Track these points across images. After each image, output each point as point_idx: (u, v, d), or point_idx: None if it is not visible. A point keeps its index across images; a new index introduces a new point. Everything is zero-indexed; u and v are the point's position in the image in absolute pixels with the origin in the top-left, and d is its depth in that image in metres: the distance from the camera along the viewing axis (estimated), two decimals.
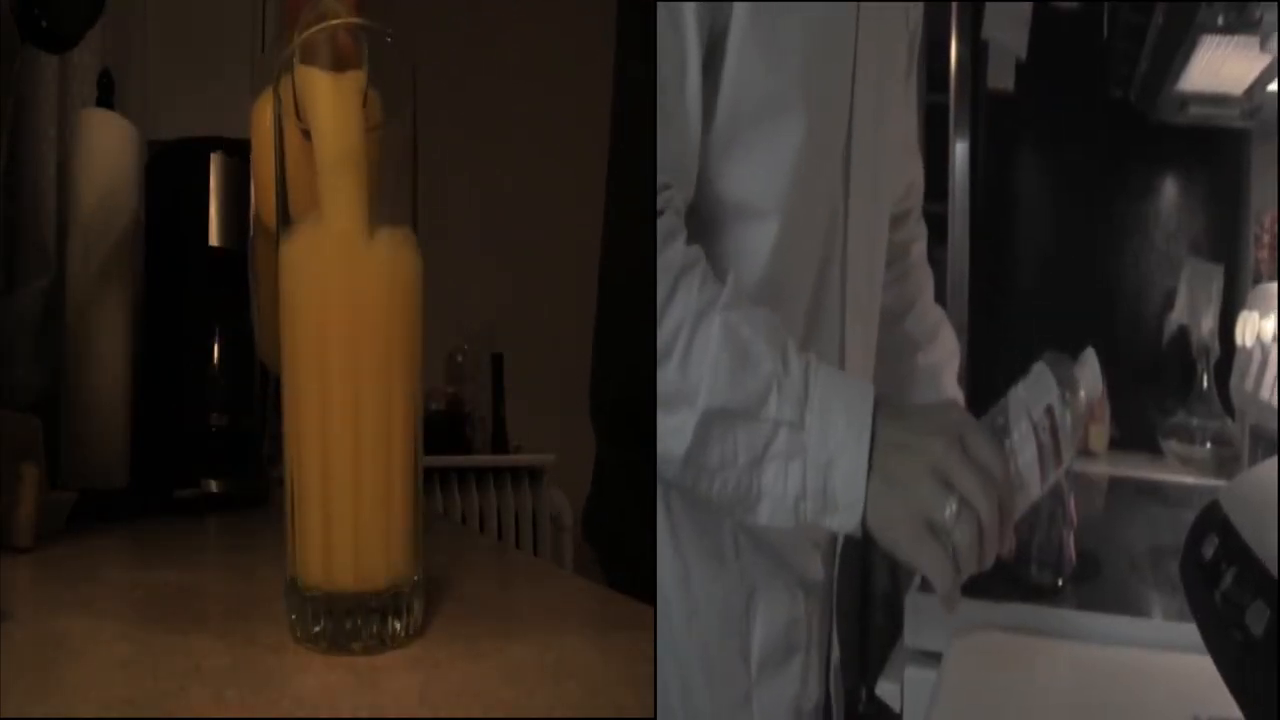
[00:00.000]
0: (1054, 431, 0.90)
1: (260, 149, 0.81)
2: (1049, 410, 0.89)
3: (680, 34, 0.78)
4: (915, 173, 1.23)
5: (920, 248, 1.26)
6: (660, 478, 0.82)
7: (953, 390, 1.21)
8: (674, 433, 0.75)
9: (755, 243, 0.84)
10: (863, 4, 0.88)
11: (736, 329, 0.74)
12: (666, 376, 0.74)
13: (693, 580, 0.87)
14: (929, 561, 0.74)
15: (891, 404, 0.77)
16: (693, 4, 0.77)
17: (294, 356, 0.63)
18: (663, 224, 0.76)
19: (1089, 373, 0.94)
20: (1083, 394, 0.93)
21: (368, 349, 0.62)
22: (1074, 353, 0.96)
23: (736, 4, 0.79)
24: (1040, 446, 0.88)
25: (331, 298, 0.62)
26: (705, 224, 0.82)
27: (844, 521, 0.75)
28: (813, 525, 0.77)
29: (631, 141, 0.94)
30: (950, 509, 0.72)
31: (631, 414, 0.85)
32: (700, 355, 0.74)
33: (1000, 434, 0.87)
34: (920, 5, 1.09)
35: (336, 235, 0.62)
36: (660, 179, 0.78)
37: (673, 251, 0.76)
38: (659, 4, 0.77)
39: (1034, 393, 0.89)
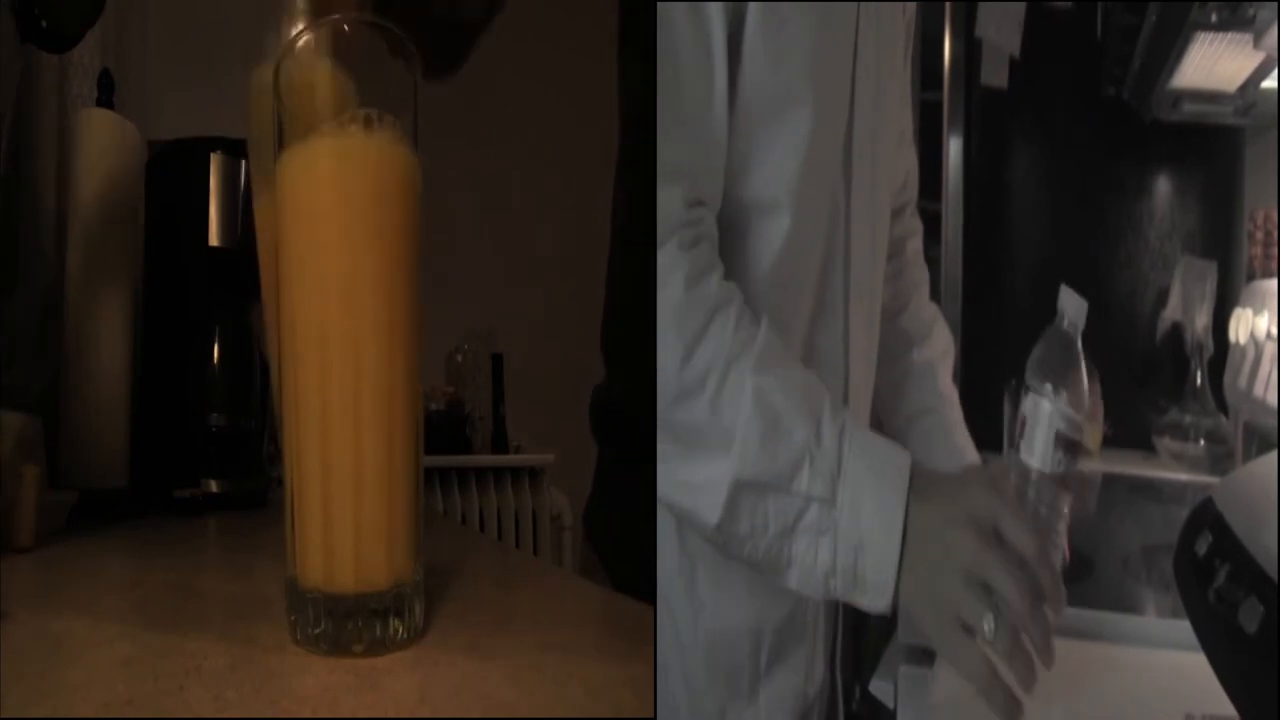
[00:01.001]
0: (1071, 448, 0.91)
1: (259, 150, 0.81)
2: (1058, 437, 0.90)
3: (705, 35, 0.77)
4: (910, 163, 1.23)
5: (915, 243, 1.26)
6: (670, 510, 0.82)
7: (948, 388, 1.21)
8: (705, 493, 0.75)
9: (768, 236, 0.84)
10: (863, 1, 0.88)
11: (768, 396, 0.74)
12: (695, 413, 0.74)
13: (699, 578, 0.87)
14: (965, 662, 0.74)
15: (924, 477, 0.76)
16: (716, 4, 0.77)
17: (290, 278, 0.63)
18: (698, 256, 0.76)
19: (1072, 305, 0.95)
20: (1085, 378, 0.94)
21: (366, 251, 0.62)
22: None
23: (750, 1, 0.79)
24: (1064, 478, 0.90)
25: (323, 188, 0.63)
26: (721, 223, 0.82)
27: (873, 603, 0.75)
28: (843, 600, 0.77)
29: (642, 153, 0.94)
30: (989, 624, 0.72)
31: (637, 423, 0.85)
32: (732, 406, 0.73)
33: (1024, 491, 0.89)
34: None
35: (329, 134, 0.62)
36: (691, 193, 0.77)
37: (708, 286, 0.75)
38: (676, 6, 0.77)
39: (1038, 433, 0.91)
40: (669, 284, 0.74)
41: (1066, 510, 0.96)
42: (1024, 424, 0.95)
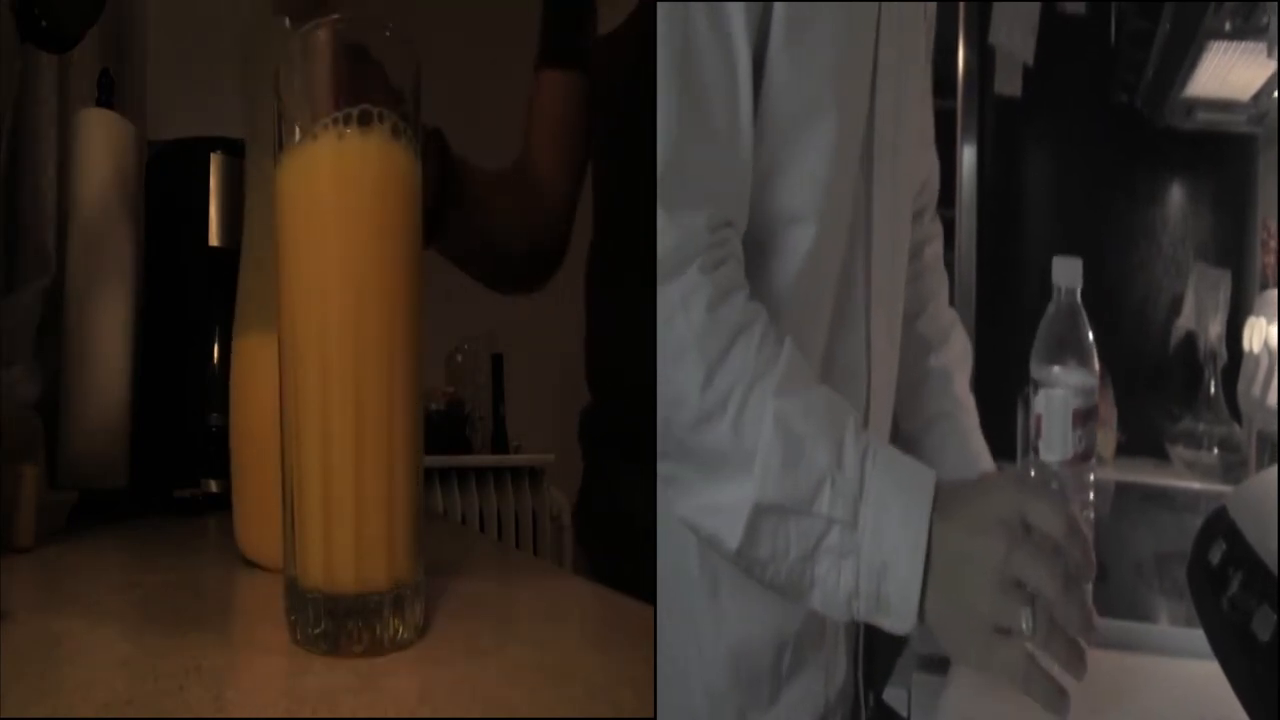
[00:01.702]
0: (1088, 417, 0.91)
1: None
2: (1075, 416, 0.90)
3: (728, 49, 0.76)
4: (930, 167, 1.22)
5: (935, 248, 1.25)
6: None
7: (964, 394, 1.21)
8: (726, 516, 0.74)
9: (792, 246, 0.83)
10: (884, 1, 0.87)
11: (790, 420, 0.72)
12: (717, 435, 0.73)
13: (722, 588, 0.86)
14: (1003, 664, 0.73)
15: (947, 493, 0.75)
16: (740, 14, 0.75)
17: (290, 281, 0.63)
18: (722, 277, 0.74)
19: (1066, 272, 0.96)
20: (1090, 336, 0.94)
21: (366, 246, 0.62)
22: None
23: (776, 4, 0.78)
24: (1084, 452, 0.91)
25: (322, 188, 0.62)
26: (745, 236, 0.80)
27: (897, 624, 0.74)
28: (866, 622, 0.76)
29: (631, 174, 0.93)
30: (1026, 620, 0.71)
31: (638, 448, 0.85)
32: (753, 428, 0.72)
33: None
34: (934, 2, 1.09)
35: (327, 133, 0.62)
36: (716, 217, 0.75)
37: (731, 307, 0.74)
38: (698, 22, 0.75)
39: (1055, 424, 0.91)
40: (691, 307, 0.72)
41: (1091, 478, 0.96)
42: (1039, 422, 0.95)
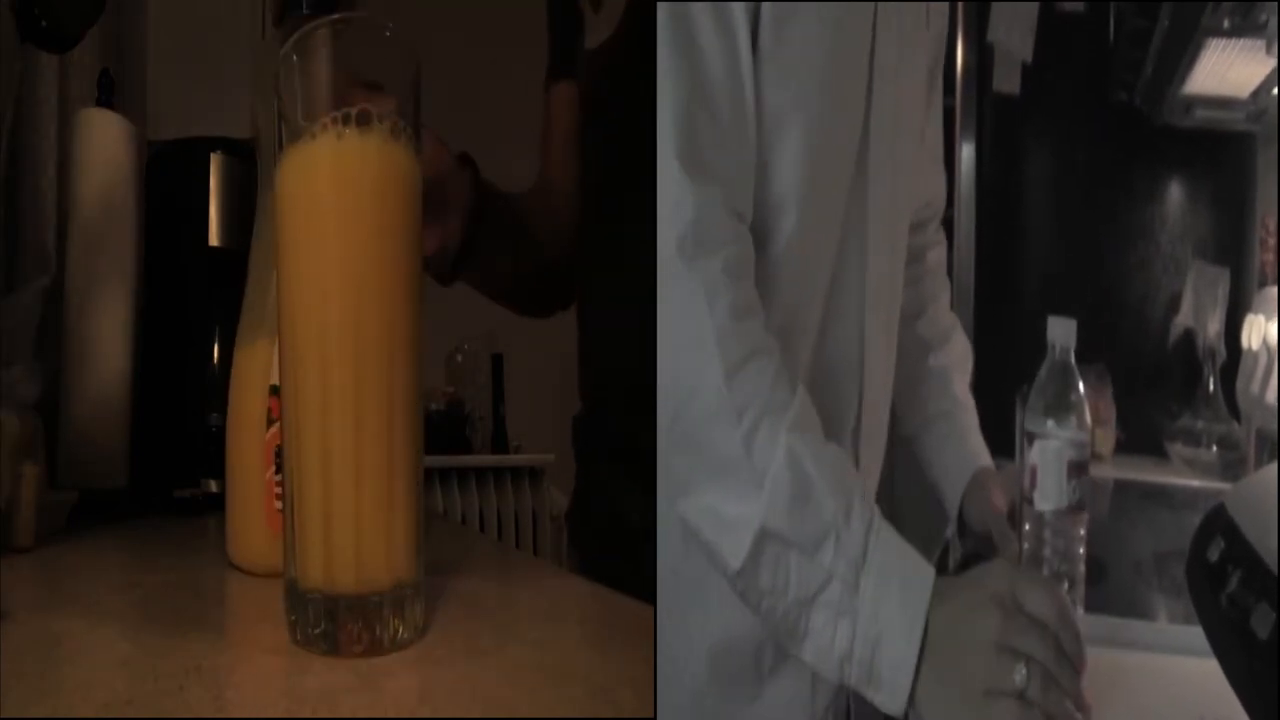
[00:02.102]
0: (1082, 469, 0.92)
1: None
2: (1069, 468, 0.91)
3: (731, 40, 0.76)
4: (938, 183, 1.22)
5: (938, 254, 1.25)
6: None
7: (964, 394, 1.21)
8: (731, 532, 0.72)
9: (773, 238, 0.82)
10: (880, 2, 0.87)
11: (801, 460, 0.71)
12: (729, 443, 0.71)
13: (709, 585, 0.86)
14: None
15: (944, 581, 0.73)
16: (742, 12, 0.76)
17: (289, 283, 0.63)
18: (745, 291, 0.74)
19: (1061, 332, 0.96)
20: (1083, 393, 0.95)
21: (364, 247, 0.62)
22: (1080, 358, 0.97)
23: (765, 4, 0.78)
24: (1079, 503, 0.93)
25: (321, 188, 0.63)
26: None
27: (886, 703, 0.72)
28: (857, 691, 0.74)
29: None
30: (1020, 673, 0.69)
31: (625, 439, 0.84)
32: (764, 453, 0.71)
33: (1041, 535, 0.90)
34: (944, 9, 1.08)
35: (327, 133, 0.62)
36: (729, 200, 0.75)
37: (754, 325, 0.74)
38: (696, 13, 0.75)
39: (1050, 477, 0.92)
40: (715, 305, 0.71)
41: (1083, 531, 0.96)
42: (1034, 472, 0.95)
